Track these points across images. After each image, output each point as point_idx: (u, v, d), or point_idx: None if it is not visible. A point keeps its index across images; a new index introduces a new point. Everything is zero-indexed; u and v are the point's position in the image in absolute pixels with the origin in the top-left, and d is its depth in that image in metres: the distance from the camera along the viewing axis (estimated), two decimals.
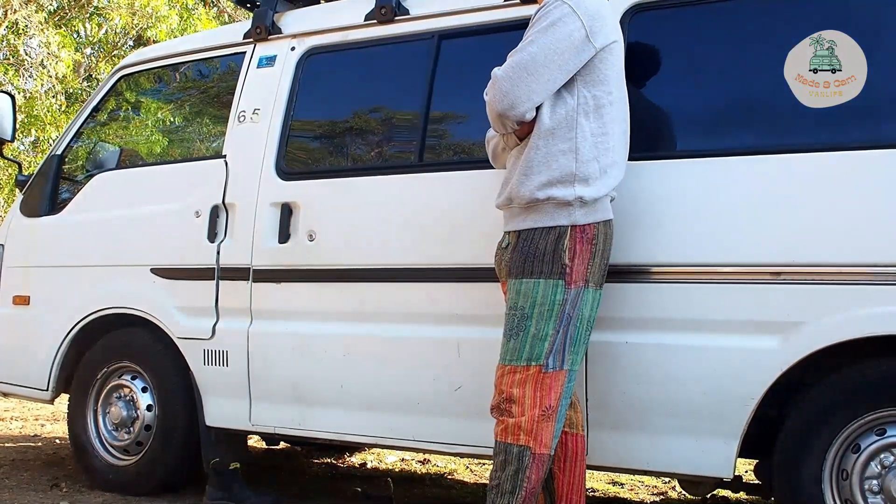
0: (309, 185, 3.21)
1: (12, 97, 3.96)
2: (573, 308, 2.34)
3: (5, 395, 4.16)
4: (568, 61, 2.30)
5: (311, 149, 3.38)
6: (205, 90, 4.12)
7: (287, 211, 3.19)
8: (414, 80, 3.10)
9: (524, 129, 2.38)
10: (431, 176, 2.99)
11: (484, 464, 4.64)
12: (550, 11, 2.33)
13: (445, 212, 2.92)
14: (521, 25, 2.93)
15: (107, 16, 11.12)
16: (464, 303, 2.86)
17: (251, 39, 3.52)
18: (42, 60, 10.32)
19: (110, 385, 3.68)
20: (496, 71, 2.34)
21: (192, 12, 10.83)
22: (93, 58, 11.92)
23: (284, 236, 3.18)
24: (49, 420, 5.92)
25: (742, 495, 3.66)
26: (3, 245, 4.03)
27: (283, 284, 3.19)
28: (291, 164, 3.31)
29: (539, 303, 2.33)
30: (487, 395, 2.47)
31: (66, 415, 3.85)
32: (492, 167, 2.72)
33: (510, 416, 2.33)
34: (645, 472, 2.79)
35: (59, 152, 4.02)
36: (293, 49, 3.39)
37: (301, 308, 3.18)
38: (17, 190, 4.23)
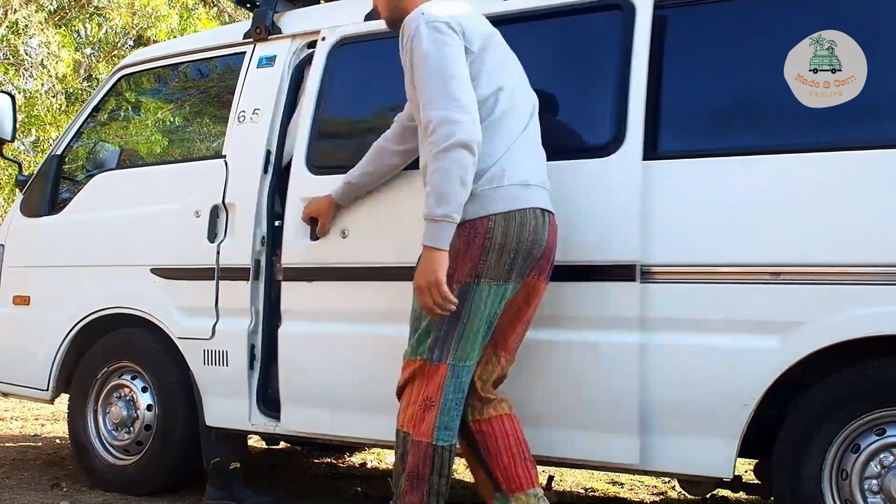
0: (341, 179, 3.03)
1: (12, 97, 3.96)
2: (460, 305, 2.34)
3: (5, 395, 4.16)
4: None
5: (343, 143, 3.28)
6: (205, 90, 4.12)
7: None
8: None
9: None
10: None
11: None
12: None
13: None
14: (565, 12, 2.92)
15: (107, 16, 11.12)
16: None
17: (251, 39, 3.52)
18: (42, 60, 10.33)
19: (110, 385, 3.68)
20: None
21: (192, 12, 10.83)
22: (93, 58, 11.92)
23: (315, 234, 3.09)
24: (49, 420, 5.92)
25: (742, 495, 3.65)
26: (3, 245, 4.03)
27: (315, 283, 3.11)
28: (323, 159, 3.21)
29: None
30: (531, 401, 2.54)
31: (66, 415, 3.85)
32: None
33: (399, 404, 2.46)
34: (645, 473, 2.79)
35: (59, 152, 4.02)
36: (324, 39, 3.29)
37: (333, 308, 3.09)
38: (18, 190, 4.23)
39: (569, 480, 4.29)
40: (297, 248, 3.14)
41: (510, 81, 2.47)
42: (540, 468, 2.56)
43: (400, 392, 2.49)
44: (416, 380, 2.43)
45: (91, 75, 11.47)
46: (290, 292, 3.15)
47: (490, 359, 2.54)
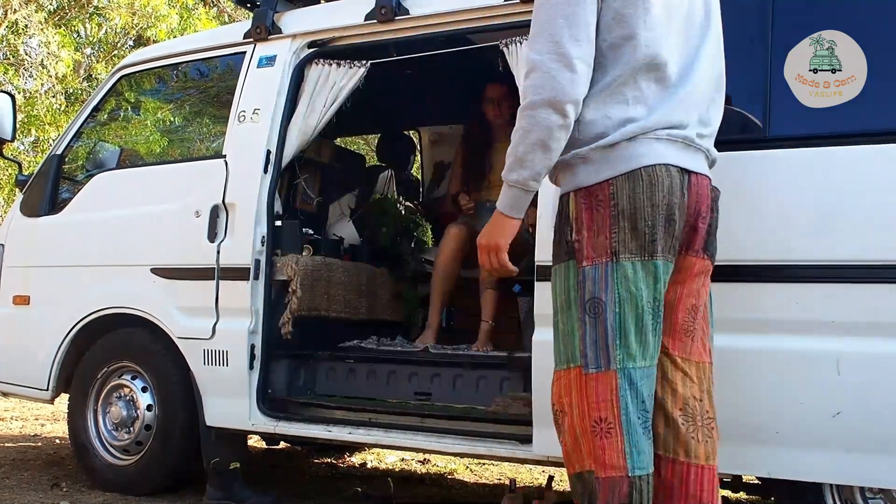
0: None
1: (12, 97, 3.96)
2: (601, 290, 1.92)
3: (5, 394, 4.16)
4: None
5: None
6: (205, 90, 4.12)
7: None
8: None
9: None
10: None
11: (483, 463, 4.65)
12: None
13: None
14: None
15: (107, 15, 11.11)
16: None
17: (251, 39, 3.52)
18: (42, 60, 10.32)
19: (110, 385, 3.68)
20: None
21: (192, 12, 10.82)
22: (92, 58, 11.91)
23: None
24: (49, 420, 5.92)
25: (742, 495, 3.65)
26: (3, 245, 4.03)
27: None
28: None
29: (557, 292, 2.01)
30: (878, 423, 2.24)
31: (66, 415, 3.85)
32: None
33: (562, 432, 1.99)
34: None
35: (59, 152, 4.02)
36: None
37: None
38: (18, 190, 4.23)
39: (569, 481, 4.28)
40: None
41: (661, 26, 1.99)
42: (539, 468, 2.53)
43: (554, 413, 2.02)
44: (574, 397, 1.95)
45: (91, 75, 11.46)
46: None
47: (664, 365, 2.04)
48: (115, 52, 11.67)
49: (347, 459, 4.75)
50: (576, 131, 1.96)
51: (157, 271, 3.47)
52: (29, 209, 3.98)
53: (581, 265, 1.95)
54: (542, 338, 2.63)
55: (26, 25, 10.16)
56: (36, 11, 10.18)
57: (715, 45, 2.14)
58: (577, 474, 1.96)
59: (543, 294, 2.65)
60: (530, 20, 2.55)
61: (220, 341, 3.31)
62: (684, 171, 1.98)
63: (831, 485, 2.42)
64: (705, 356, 2.09)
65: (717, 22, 2.16)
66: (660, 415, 2.01)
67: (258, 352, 3.27)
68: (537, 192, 2.08)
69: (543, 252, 2.67)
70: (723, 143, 2.19)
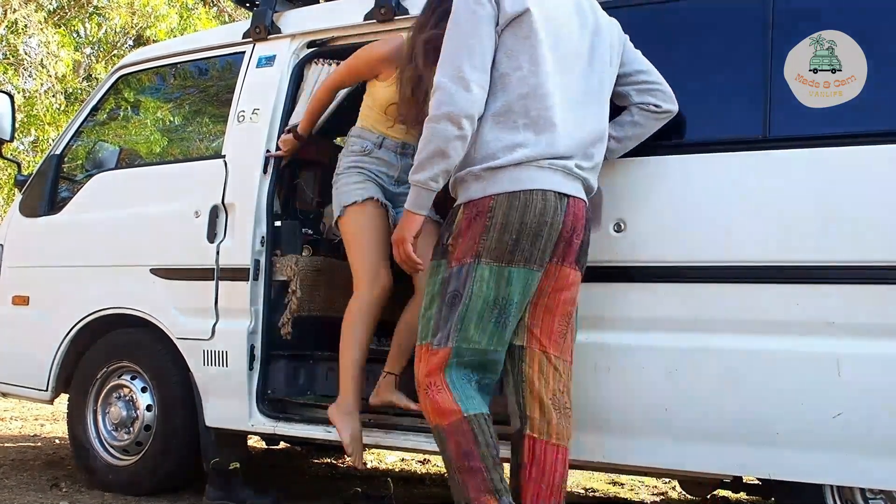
0: (611, 165, 2.63)
1: (12, 97, 3.96)
2: (461, 285, 2.30)
3: (5, 395, 4.16)
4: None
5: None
6: (204, 90, 4.12)
7: None
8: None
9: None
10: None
11: None
12: None
13: None
14: None
15: (106, 15, 11.11)
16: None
17: (251, 39, 3.52)
18: (42, 60, 10.32)
19: (110, 385, 3.68)
20: None
21: (192, 12, 10.83)
22: (92, 57, 11.91)
23: None
24: (49, 420, 5.92)
25: (742, 495, 3.65)
26: (2, 245, 4.03)
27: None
28: None
29: (428, 283, 2.40)
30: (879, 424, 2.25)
31: (65, 415, 3.85)
32: None
33: (419, 395, 2.39)
34: (644, 472, 2.78)
35: (58, 152, 4.02)
36: None
37: (605, 314, 2.62)
38: (17, 190, 4.23)
39: (569, 480, 4.28)
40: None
41: (545, 62, 2.30)
42: None
43: (416, 381, 2.40)
44: (422, 367, 2.36)
45: (90, 75, 11.46)
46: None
47: (537, 357, 2.39)
48: (115, 51, 11.67)
49: (347, 459, 4.75)
50: (472, 150, 2.30)
51: (156, 272, 3.47)
52: (28, 209, 3.98)
53: (451, 265, 2.33)
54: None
55: (26, 25, 10.16)
56: (36, 11, 10.18)
57: (607, 85, 2.47)
58: (434, 427, 2.35)
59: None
60: None
61: (220, 342, 3.30)
62: (562, 196, 2.31)
63: (832, 485, 2.41)
64: (569, 356, 2.45)
65: (605, 65, 2.45)
66: (536, 402, 2.38)
67: (258, 352, 3.27)
68: None
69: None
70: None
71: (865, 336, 2.31)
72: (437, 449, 2.97)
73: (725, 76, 2.61)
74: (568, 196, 2.33)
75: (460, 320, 2.30)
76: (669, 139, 2.63)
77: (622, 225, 2.60)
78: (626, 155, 2.64)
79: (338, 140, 4.50)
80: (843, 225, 2.35)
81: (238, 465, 3.36)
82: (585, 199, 2.40)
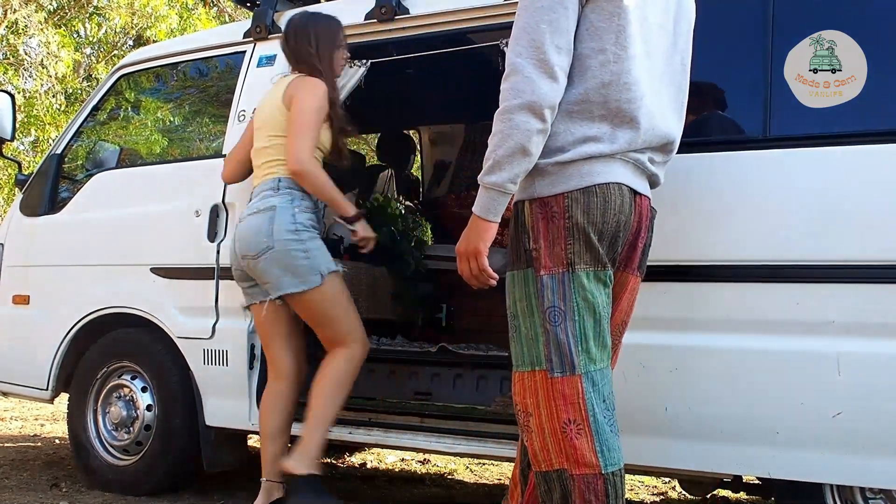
0: None
1: (12, 96, 3.96)
2: (559, 299, 1.98)
3: (5, 394, 4.16)
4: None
5: None
6: (204, 90, 4.12)
7: None
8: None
9: None
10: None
11: (483, 463, 4.64)
12: None
13: None
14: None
15: (106, 15, 11.12)
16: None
17: (251, 39, 3.52)
18: (42, 60, 10.33)
19: (110, 385, 3.67)
20: None
21: (192, 12, 10.83)
22: (92, 57, 11.92)
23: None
24: (49, 420, 5.92)
25: (742, 495, 3.65)
26: (2, 244, 4.03)
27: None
28: None
29: (517, 297, 2.06)
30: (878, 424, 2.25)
31: (65, 415, 3.85)
32: None
33: (529, 431, 2.02)
34: (645, 472, 2.78)
35: (58, 152, 4.02)
36: None
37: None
38: (17, 189, 4.23)
39: None
40: None
41: (633, 44, 2.01)
42: None
43: (520, 413, 2.05)
44: (540, 399, 2.00)
45: (90, 75, 11.47)
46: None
47: None
48: (115, 52, 11.67)
49: (347, 459, 4.75)
50: None
51: (156, 271, 3.47)
52: (28, 209, 3.98)
53: (539, 274, 2.00)
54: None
55: (26, 25, 10.16)
56: (36, 11, 10.19)
57: (684, 68, 2.19)
58: (546, 472, 2.00)
59: None
60: None
61: (220, 341, 3.30)
62: (632, 191, 2.05)
63: (831, 485, 2.41)
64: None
65: (688, 44, 2.20)
66: None
67: (258, 352, 3.26)
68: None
69: None
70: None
71: (865, 335, 2.31)
72: (437, 449, 2.98)
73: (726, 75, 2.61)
74: (636, 192, 2.08)
75: (579, 340, 1.98)
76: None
77: None
78: None
79: None
80: (843, 224, 2.35)
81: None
82: (650, 195, 2.15)
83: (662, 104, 2.09)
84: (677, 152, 2.21)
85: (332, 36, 3.06)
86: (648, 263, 2.24)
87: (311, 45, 3.02)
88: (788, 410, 2.37)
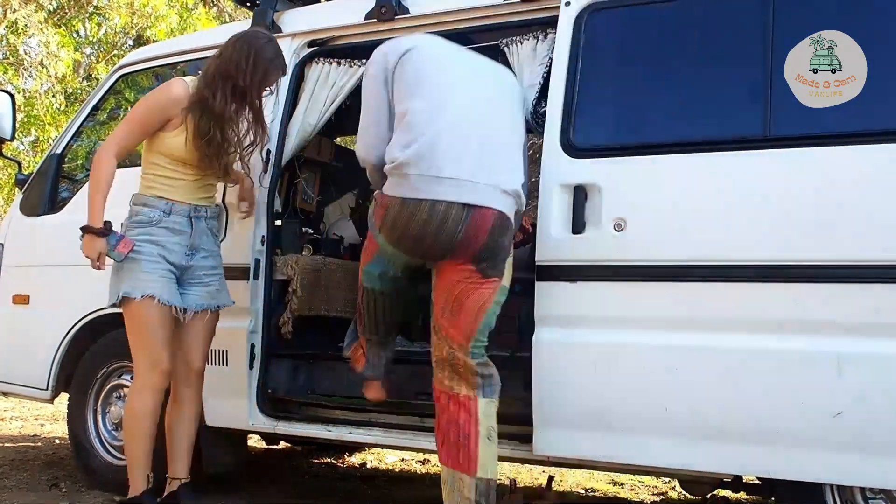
0: (616, 163, 2.67)
1: (12, 96, 3.96)
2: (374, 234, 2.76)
3: (5, 394, 4.16)
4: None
5: (612, 119, 2.83)
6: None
7: (583, 195, 2.69)
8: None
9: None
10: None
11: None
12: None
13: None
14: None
15: (106, 15, 11.12)
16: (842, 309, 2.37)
17: None
18: (42, 60, 10.33)
19: (110, 385, 3.68)
20: None
21: (192, 12, 10.83)
22: (92, 57, 11.92)
23: (580, 225, 2.68)
24: (49, 420, 5.92)
25: (742, 495, 3.65)
26: (2, 244, 4.03)
27: (581, 283, 2.68)
28: (587, 139, 2.75)
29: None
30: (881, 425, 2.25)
31: (65, 415, 3.85)
32: None
33: None
34: (646, 472, 2.78)
35: (58, 151, 4.02)
36: (567, 4, 2.84)
37: (603, 313, 2.65)
38: (17, 189, 4.23)
39: (569, 480, 4.29)
40: (554, 243, 2.71)
41: (432, 91, 2.60)
42: (539, 468, 2.53)
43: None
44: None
45: (90, 75, 11.46)
46: (547, 294, 2.70)
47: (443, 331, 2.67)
48: (115, 51, 11.67)
49: (347, 459, 4.75)
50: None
51: None
52: (28, 208, 3.98)
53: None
54: (543, 337, 2.67)
55: (26, 25, 10.16)
56: (36, 11, 10.19)
57: (506, 116, 2.72)
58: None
59: (543, 294, 2.69)
60: (530, 19, 2.62)
61: (220, 341, 3.30)
62: (462, 206, 2.51)
63: (832, 485, 2.41)
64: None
65: (510, 98, 2.76)
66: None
67: (258, 351, 3.27)
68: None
69: (543, 252, 2.71)
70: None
71: (866, 336, 2.31)
72: (436, 448, 2.99)
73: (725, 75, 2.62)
74: (469, 206, 2.53)
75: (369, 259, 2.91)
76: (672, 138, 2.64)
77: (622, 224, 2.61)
78: (626, 154, 2.66)
79: (338, 140, 4.51)
80: (842, 224, 2.36)
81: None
82: (494, 207, 2.56)
83: (483, 141, 2.59)
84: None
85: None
86: (650, 263, 2.45)
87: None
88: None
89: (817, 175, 2.40)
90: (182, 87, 2.97)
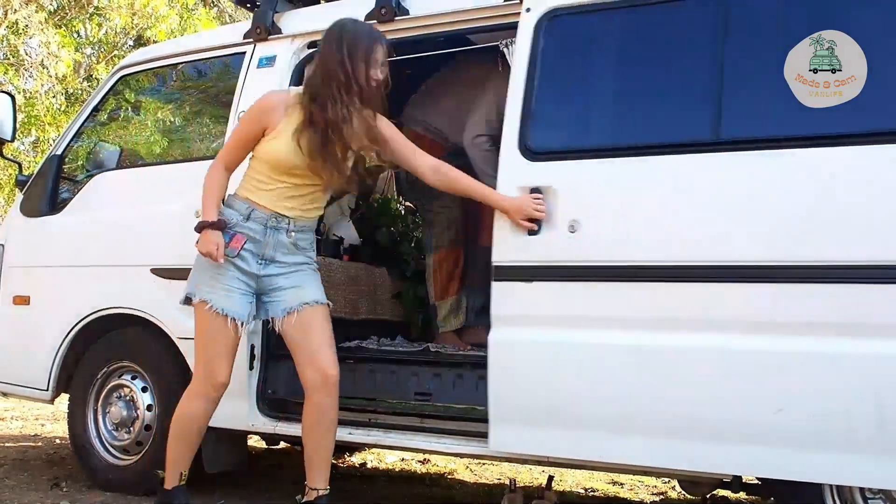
0: (570, 166, 2.74)
1: (12, 97, 3.96)
2: None
3: (5, 394, 4.16)
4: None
5: (568, 123, 2.88)
6: (204, 90, 4.12)
7: None
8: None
9: None
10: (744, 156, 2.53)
11: (483, 463, 4.65)
12: None
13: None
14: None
15: (107, 16, 11.11)
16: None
17: (251, 39, 3.52)
18: (42, 60, 10.32)
19: (110, 385, 3.68)
20: None
21: (192, 12, 10.82)
22: (93, 58, 11.91)
23: (536, 226, 2.73)
24: (49, 420, 5.92)
25: (742, 495, 3.65)
26: (3, 245, 4.03)
27: (536, 283, 2.74)
28: (543, 142, 2.81)
29: None
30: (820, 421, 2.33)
31: (66, 415, 3.85)
32: None
33: None
34: (645, 472, 2.79)
35: (59, 152, 4.02)
36: (528, 10, 2.89)
37: (557, 312, 2.71)
38: (18, 190, 4.23)
39: (569, 480, 4.29)
40: (512, 244, 2.77)
41: None
42: (539, 468, 2.54)
43: None
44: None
45: (91, 75, 11.46)
46: (504, 293, 2.77)
47: None
48: (115, 52, 11.66)
49: (347, 459, 4.75)
50: None
51: (156, 271, 3.47)
52: (29, 209, 3.98)
53: None
54: (499, 337, 2.76)
55: (26, 25, 10.16)
56: (36, 11, 10.18)
57: None
58: None
59: (499, 294, 2.76)
60: None
61: None
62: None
63: (831, 485, 2.42)
64: None
65: None
66: None
67: (258, 352, 3.27)
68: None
69: (500, 252, 2.77)
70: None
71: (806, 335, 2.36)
72: (437, 449, 3.01)
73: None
74: None
75: None
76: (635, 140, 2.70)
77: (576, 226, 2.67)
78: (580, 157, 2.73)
79: None
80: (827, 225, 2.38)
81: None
82: None
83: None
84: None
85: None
86: (606, 264, 2.60)
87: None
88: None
89: (762, 177, 2.46)
90: (276, 95, 2.90)
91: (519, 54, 2.87)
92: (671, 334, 2.52)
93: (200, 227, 2.83)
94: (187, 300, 2.89)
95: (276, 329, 2.89)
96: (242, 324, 2.85)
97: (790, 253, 2.39)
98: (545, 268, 2.70)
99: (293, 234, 2.87)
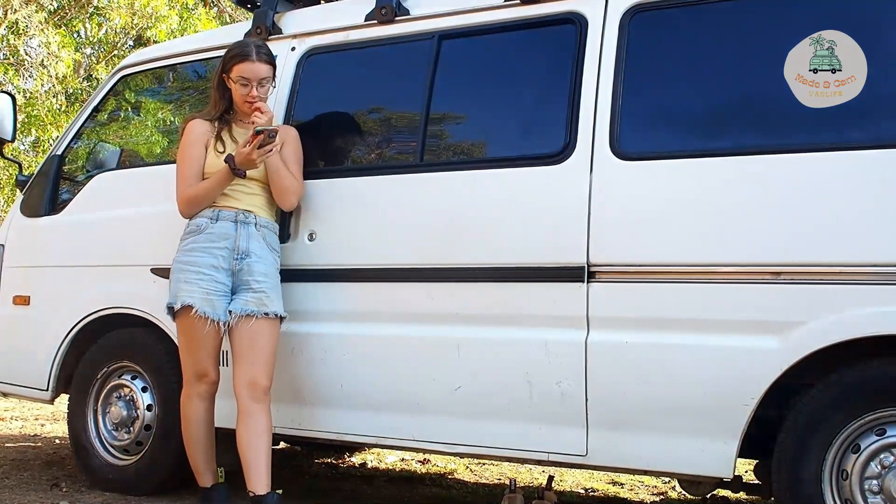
0: (309, 185, 3.20)
1: (12, 97, 3.96)
2: None
3: (5, 395, 4.16)
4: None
5: (310, 149, 3.29)
6: (205, 90, 4.12)
7: (289, 212, 3.20)
8: (415, 81, 3.10)
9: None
10: (432, 176, 3.01)
11: (484, 463, 4.65)
12: None
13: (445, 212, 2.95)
14: (520, 26, 2.97)
15: (107, 16, 11.12)
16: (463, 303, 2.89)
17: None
18: (42, 60, 10.33)
19: (110, 385, 3.68)
20: None
21: (192, 12, 10.84)
22: (93, 58, 11.93)
23: (285, 236, 3.20)
24: (49, 420, 5.93)
25: (742, 495, 3.66)
26: (3, 245, 4.03)
27: (284, 284, 3.16)
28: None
29: None
30: (488, 395, 2.63)
31: (66, 415, 3.85)
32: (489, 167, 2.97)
33: None
34: (645, 472, 2.79)
35: (59, 152, 4.02)
36: (293, 49, 3.39)
37: (300, 308, 3.17)
38: (18, 190, 4.23)
39: (569, 480, 4.29)
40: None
41: None
42: (539, 468, 2.54)
43: None
44: None
45: (91, 75, 11.47)
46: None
47: None
48: (115, 52, 11.68)
49: (347, 459, 4.75)
50: None
51: (157, 271, 3.47)
52: (29, 209, 3.98)
53: None
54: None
55: (26, 26, 10.17)
56: (36, 11, 10.19)
57: None
58: None
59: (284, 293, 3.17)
60: (530, 20, 2.79)
61: None
62: None
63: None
64: None
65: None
66: None
67: None
68: None
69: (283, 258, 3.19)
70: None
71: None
72: (437, 449, 3.02)
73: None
74: None
75: None
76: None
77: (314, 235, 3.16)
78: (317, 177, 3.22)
79: None
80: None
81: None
82: None
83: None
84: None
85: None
86: (334, 267, 3.14)
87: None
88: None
89: (450, 196, 2.94)
90: (194, 122, 3.19)
91: (280, 90, 3.35)
92: (376, 325, 3.04)
93: (228, 160, 3.02)
94: (170, 310, 3.05)
95: (230, 323, 3.03)
96: (226, 324, 3.03)
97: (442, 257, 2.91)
98: (294, 271, 3.18)
99: (265, 229, 3.12)
